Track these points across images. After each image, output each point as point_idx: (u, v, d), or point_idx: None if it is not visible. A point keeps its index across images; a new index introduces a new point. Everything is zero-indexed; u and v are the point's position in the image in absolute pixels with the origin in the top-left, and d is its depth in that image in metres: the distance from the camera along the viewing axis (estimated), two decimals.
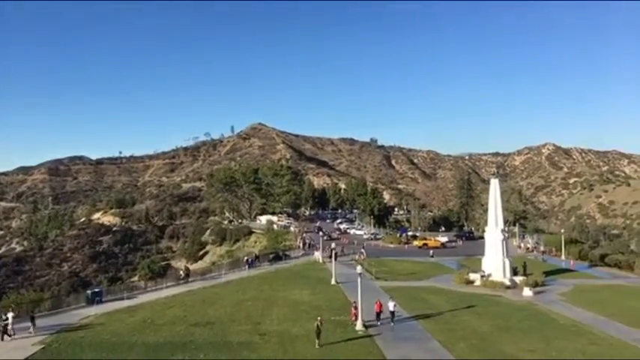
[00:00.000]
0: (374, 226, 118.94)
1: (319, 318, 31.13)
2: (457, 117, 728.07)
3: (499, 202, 55.95)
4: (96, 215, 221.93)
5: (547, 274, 56.94)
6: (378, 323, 34.83)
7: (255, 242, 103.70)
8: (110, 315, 38.84)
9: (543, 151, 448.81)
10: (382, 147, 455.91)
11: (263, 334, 33.00)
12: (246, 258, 66.14)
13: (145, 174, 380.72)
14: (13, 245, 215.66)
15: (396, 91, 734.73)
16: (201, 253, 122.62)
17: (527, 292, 47.03)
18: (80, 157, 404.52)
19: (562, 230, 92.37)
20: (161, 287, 51.04)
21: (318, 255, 69.53)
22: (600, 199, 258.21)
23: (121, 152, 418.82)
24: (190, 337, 32.31)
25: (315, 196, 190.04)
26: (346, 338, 31.84)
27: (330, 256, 57.05)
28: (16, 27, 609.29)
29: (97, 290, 45.76)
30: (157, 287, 51.21)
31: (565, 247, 75.33)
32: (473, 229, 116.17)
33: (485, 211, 68.93)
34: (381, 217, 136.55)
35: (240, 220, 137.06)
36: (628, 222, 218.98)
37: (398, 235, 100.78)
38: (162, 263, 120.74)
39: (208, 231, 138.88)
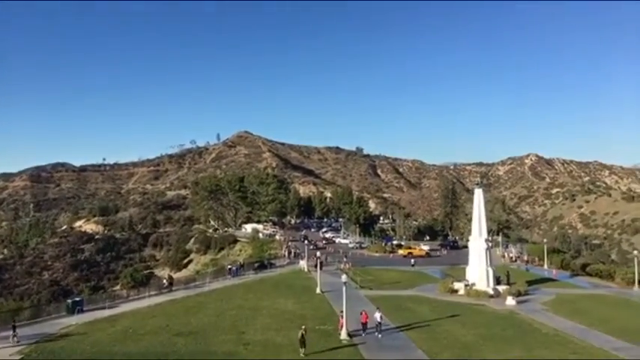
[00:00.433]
0: (359, 234, 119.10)
1: (303, 327, 31.04)
2: (442, 127, 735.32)
3: (483, 212, 56.49)
4: (78, 223, 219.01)
5: (530, 283, 57.50)
6: (364, 335, 34.60)
7: (241, 251, 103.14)
8: (91, 324, 38.21)
9: (526, 161, 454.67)
10: (368, 156, 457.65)
11: (247, 343, 32.76)
12: (229, 267, 65.66)
13: (129, 181, 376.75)
14: None
15: (382, 101, 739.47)
16: (185, 261, 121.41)
17: (510, 301, 47.42)
18: (63, 164, 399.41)
19: (544, 240, 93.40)
20: (144, 296, 50.39)
21: (303, 264, 69.42)
22: (582, 210, 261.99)
23: (104, 159, 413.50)
24: (173, 347, 31.93)
25: (301, 205, 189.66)
26: (330, 347, 31.78)
27: (316, 265, 56.97)
28: None
29: (77, 299, 45.07)
30: (140, 296, 50.57)
31: (547, 256, 76.26)
32: (457, 238, 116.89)
33: (470, 220, 69.47)
34: (367, 225, 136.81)
35: (225, 229, 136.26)
36: (609, 232, 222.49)
37: (383, 244, 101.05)
38: (146, 272, 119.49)
39: (193, 239, 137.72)
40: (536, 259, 79.66)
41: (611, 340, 34.59)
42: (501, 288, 52.90)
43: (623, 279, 60.56)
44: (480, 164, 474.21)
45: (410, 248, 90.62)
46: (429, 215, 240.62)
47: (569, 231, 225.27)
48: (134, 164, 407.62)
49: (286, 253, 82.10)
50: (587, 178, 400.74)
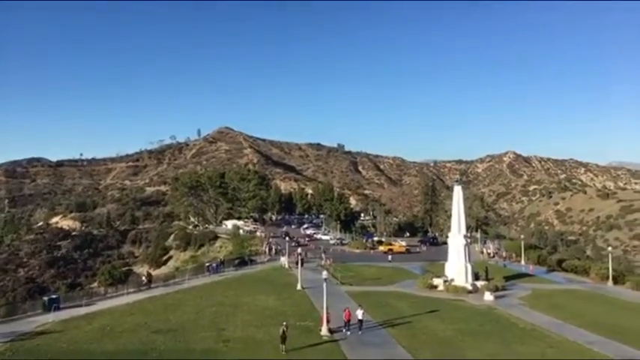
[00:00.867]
0: (340, 231, 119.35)
1: (284, 323, 31.01)
2: (423, 125, 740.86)
3: (462, 209, 57.16)
4: (55, 219, 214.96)
5: (507, 278, 58.45)
6: (347, 332, 34.46)
7: (221, 247, 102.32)
8: (68, 322, 37.53)
9: (505, 159, 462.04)
10: (349, 153, 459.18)
11: (227, 340, 32.59)
12: (207, 264, 65.04)
13: (107, 177, 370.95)
14: None
15: (363, 98, 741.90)
16: (164, 258, 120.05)
17: (488, 296, 48.08)
18: (39, 159, 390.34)
19: (522, 236, 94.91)
20: (122, 293, 49.75)
21: (284, 260, 69.32)
22: (558, 206, 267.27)
23: (82, 154, 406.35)
24: (152, 345, 31.55)
25: (282, 201, 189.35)
26: (311, 344, 31.82)
27: (297, 262, 56.93)
28: None
29: (54, 297, 44.25)
30: (118, 293, 49.91)
31: (525, 252, 77.57)
32: (437, 234, 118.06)
33: (449, 217, 70.21)
34: (348, 222, 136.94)
35: (205, 225, 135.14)
36: (584, 229, 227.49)
37: (364, 240, 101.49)
38: (124, 269, 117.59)
39: (172, 236, 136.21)
40: (514, 255, 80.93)
41: (585, 334, 35.42)
42: (480, 283, 53.64)
43: (598, 274, 62.10)
44: (460, 162, 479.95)
45: (390, 244, 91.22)
46: (409, 212, 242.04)
47: (546, 227, 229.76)
48: (112, 160, 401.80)
49: (267, 250, 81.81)
50: (563, 176, 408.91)
